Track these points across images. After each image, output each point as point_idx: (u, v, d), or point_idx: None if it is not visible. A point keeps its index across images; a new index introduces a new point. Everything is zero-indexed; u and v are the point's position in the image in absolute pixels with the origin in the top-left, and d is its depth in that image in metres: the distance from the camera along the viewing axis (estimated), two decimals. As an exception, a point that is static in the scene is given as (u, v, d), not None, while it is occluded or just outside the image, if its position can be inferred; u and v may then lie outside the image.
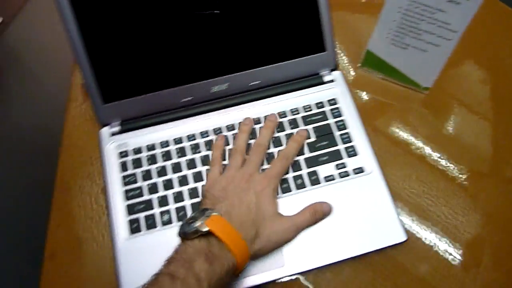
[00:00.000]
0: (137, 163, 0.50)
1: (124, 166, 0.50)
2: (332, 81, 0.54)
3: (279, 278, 0.44)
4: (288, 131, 0.51)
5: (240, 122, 0.51)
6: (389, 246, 0.45)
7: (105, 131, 0.52)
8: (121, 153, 0.50)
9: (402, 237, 0.45)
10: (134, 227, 0.46)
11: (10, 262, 0.90)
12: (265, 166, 0.49)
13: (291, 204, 0.46)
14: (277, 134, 0.51)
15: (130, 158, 0.50)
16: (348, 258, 0.45)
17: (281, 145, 0.50)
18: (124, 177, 0.49)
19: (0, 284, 0.87)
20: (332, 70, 0.54)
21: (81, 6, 0.45)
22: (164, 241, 0.45)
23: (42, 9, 0.76)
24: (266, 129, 0.50)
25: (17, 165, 0.85)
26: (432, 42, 0.50)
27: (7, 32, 0.65)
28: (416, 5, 0.47)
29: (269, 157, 0.49)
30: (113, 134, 0.52)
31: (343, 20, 0.62)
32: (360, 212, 0.46)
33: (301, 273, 0.45)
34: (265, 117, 0.52)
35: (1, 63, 0.71)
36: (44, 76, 0.83)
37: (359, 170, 0.48)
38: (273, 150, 0.50)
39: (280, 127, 0.51)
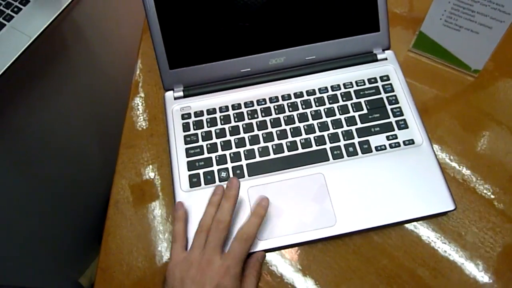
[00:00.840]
0: (198, 124, 0.53)
1: (186, 127, 0.53)
2: (385, 59, 0.56)
3: (330, 236, 0.46)
4: (342, 103, 0.53)
5: (211, 195, 0.47)
6: (437, 214, 0.47)
7: (170, 94, 0.56)
8: (183, 115, 0.54)
9: (450, 206, 0.47)
10: (194, 181, 0.50)
11: (81, 208, 0.99)
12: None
13: (342, 170, 0.49)
14: (329, 106, 0.53)
15: (191, 120, 0.54)
16: (396, 223, 0.47)
17: (335, 115, 0.53)
18: (186, 137, 0.53)
19: (70, 226, 0.96)
20: (385, 49, 0.57)
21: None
22: (222, 194, 0.48)
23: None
24: (227, 201, 0.45)
25: (89, 125, 0.93)
26: (485, 24, 0.52)
27: (78, 8, 0.71)
28: (472, -14, 0.50)
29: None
30: (176, 98, 0.55)
31: (397, 2, 0.65)
32: (410, 181, 0.48)
33: (350, 233, 0.47)
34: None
35: (68, 37, 0.77)
36: (110, 53, 0.90)
37: (409, 142, 0.50)
38: (326, 119, 0.52)
39: (334, 99, 0.54)
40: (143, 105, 0.59)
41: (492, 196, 0.49)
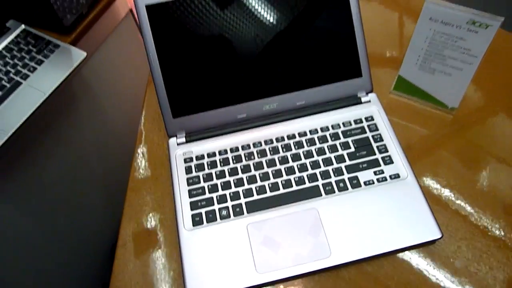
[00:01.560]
0: (199, 167, 0.58)
1: (188, 170, 0.57)
2: (368, 101, 0.62)
3: (326, 268, 0.49)
4: (331, 142, 0.58)
5: None
6: (425, 243, 0.50)
7: (173, 141, 0.60)
8: (186, 159, 0.59)
9: (437, 234, 0.50)
10: (197, 220, 0.53)
11: (89, 250, 1.01)
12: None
13: (334, 204, 0.53)
14: (319, 145, 0.58)
15: (193, 163, 0.58)
16: (387, 252, 0.50)
17: (325, 154, 0.57)
18: (188, 179, 0.57)
19: (80, 269, 0.98)
20: (368, 92, 0.62)
21: (160, 39, 0.56)
22: (222, 232, 0.52)
23: (120, 43, 0.90)
24: None
25: (96, 174, 0.97)
26: (456, 67, 0.57)
27: (86, 65, 0.77)
28: (440, 34, 0.56)
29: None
30: (179, 144, 0.60)
31: (377, 51, 0.71)
32: (398, 212, 0.52)
33: (345, 264, 0.49)
34: (310, 131, 0.59)
35: (78, 91, 0.84)
36: (116, 105, 0.96)
37: (395, 176, 0.54)
38: (317, 158, 0.57)
39: (323, 139, 0.58)
40: (149, 151, 0.63)
41: (477, 222, 0.52)
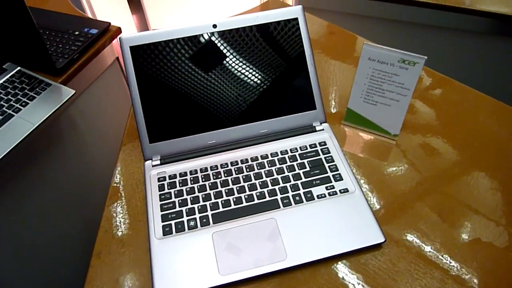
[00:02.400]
0: (171, 185, 0.64)
1: (161, 187, 0.64)
2: (322, 129, 0.71)
3: (282, 269, 0.54)
4: (289, 163, 0.66)
5: None
6: (371, 246, 0.56)
7: (148, 163, 0.67)
8: (159, 178, 0.65)
9: (381, 239, 0.56)
10: (167, 230, 0.59)
11: (66, 258, 1.02)
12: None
13: (290, 215, 0.59)
14: (279, 166, 0.66)
15: (166, 181, 0.65)
16: (337, 255, 0.55)
17: (284, 173, 0.64)
18: (161, 195, 0.63)
19: (56, 274, 0.98)
20: (322, 122, 0.71)
21: (141, 74, 0.66)
22: (189, 240, 0.57)
23: (106, 87, 0.99)
24: None
25: (75, 205, 1.01)
26: (393, 98, 0.67)
27: (74, 104, 0.86)
28: (378, 72, 0.66)
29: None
30: (154, 165, 0.67)
31: (330, 86, 0.82)
32: (346, 221, 0.58)
33: (299, 266, 0.55)
34: (271, 154, 0.67)
35: (64, 128, 0.91)
36: (98, 140, 1.03)
37: (344, 190, 0.62)
38: (277, 176, 0.64)
39: (282, 161, 0.66)
40: (125, 174, 0.70)
41: (420, 226, 0.59)
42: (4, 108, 0.77)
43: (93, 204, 1.00)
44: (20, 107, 0.77)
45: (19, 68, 0.84)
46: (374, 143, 0.72)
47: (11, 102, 0.78)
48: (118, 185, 0.68)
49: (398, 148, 0.71)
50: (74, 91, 0.81)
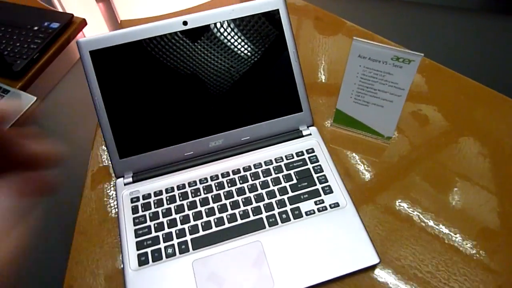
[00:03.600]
0: (146, 206, 0.58)
1: (135, 209, 0.58)
2: (309, 134, 0.64)
3: (269, 299, 0.50)
4: (274, 175, 0.60)
5: None
6: (365, 268, 0.52)
7: (120, 181, 0.61)
8: (132, 199, 0.59)
9: (375, 260, 0.52)
10: (142, 260, 0.53)
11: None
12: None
13: (277, 236, 0.54)
14: (263, 179, 0.60)
15: (140, 202, 0.59)
16: (328, 280, 0.51)
17: (269, 187, 0.59)
18: (135, 219, 0.57)
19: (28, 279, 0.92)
20: (309, 126, 0.65)
21: (105, 82, 0.58)
22: (167, 270, 0.52)
23: (74, 86, 0.91)
24: None
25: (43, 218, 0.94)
26: (386, 99, 0.61)
27: (39, 107, 0.78)
28: (369, 70, 0.60)
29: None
30: (126, 184, 0.61)
31: (319, 87, 0.75)
32: (338, 241, 0.54)
33: (288, 295, 0.51)
34: (254, 165, 0.62)
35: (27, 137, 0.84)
36: (65, 151, 0.96)
37: (334, 205, 0.57)
38: (262, 191, 0.59)
39: (267, 173, 0.61)
40: (96, 194, 0.64)
41: (415, 242, 0.55)
42: (-43, 122, 0.69)
43: (62, 215, 0.93)
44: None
45: (-29, 73, 0.76)
46: (365, 147, 0.66)
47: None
48: (87, 205, 0.62)
49: (392, 151, 0.65)
50: (35, 98, 0.73)
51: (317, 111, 0.70)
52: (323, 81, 0.78)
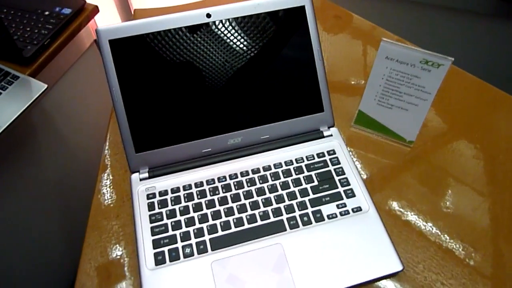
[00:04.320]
0: (162, 203, 0.57)
1: (151, 206, 0.56)
2: (330, 135, 0.63)
3: (291, 305, 0.49)
4: (294, 176, 0.59)
5: None
6: (388, 275, 0.51)
7: (135, 176, 0.59)
8: (148, 195, 0.57)
9: (398, 267, 0.51)
10: (159, 259, 0.52)
11: (47, 263, 0.94)
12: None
13: (298, 239, 0.53)
14: (284, 179, 0.58)
15: (156, 199, 0.57)
16: (351, 286, 0.50)
17: (289, 188, 0.57)
18: (151, 216, 0.55)
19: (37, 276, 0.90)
20: (330, 127, 0.64)
21: (123, 73, 0.56)
22: (185, 271, 0.51)
23: (85, 74, 0.88)
24: None
25: (55, 209, 0.92)
26: (411, 102, 0.60)
27: (48, 96, 0.75)
28: (396, 72, 0.58)
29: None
30: (142, 179, 0.59)
31: (339, 86, 0.74)
32: (360, 246, 0.52)
33: (310, 300, 0.49)
34: (274, 165, 0.60)
35: (38, 124, 0.81)
36: (78, 139, 0.93)
37: (357, 209, 0.55)
38: (282, 192, 0.57)
39: (287, 173, 0.59)
40: (110, 187, 0.62)
41: (440, 247, 0.54)
42: (-36, 107, 0.67)
43: (75, 208, 0.92)
44: (-17, 105, 0.67)
45: (-20, 57, 0.73)
46: (386, 150, 0.65)
47: (-27, 100, 0.68)
48: (101, 200, 0.60)
49: (414, 156, 0.64)
50: (46, 86, 0.71)
51: (335, 111, 0.69)
52: (343, 81, 0.76)
